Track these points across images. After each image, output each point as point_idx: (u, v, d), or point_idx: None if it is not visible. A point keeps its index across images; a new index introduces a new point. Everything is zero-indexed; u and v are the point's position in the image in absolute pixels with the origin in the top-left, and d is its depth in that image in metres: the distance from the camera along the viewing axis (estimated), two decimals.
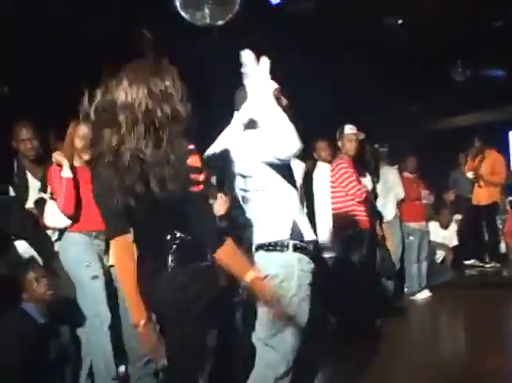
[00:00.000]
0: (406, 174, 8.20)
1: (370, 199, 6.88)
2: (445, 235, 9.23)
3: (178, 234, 2.49)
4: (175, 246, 2.49)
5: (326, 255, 6.65)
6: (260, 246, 3.10)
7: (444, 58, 9.27)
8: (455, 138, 10.88)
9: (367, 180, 6.88)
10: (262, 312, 2.98)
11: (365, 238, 6.41)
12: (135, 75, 2.44)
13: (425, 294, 8.07)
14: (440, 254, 9.11)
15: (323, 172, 6.60)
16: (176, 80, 2.48)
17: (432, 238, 8.82)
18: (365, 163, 7.13)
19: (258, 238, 3.12)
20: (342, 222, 6.42)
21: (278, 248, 3.05)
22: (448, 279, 8.81)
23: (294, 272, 3.03)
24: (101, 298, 4.24)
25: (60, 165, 4.23)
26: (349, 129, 6.50)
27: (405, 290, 8.22)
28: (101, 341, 4.22)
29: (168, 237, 2.50)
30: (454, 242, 9.36)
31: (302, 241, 3.07)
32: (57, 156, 4.22)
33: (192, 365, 2.55)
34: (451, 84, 10.02)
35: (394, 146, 8.63)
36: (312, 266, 3.10)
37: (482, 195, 9.75)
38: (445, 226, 9.27)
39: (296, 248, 3.05)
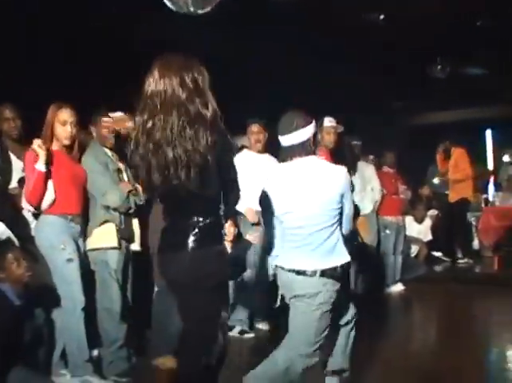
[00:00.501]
0: (385, 168, 8.31)
1: None
2: (419, 230, 9.37)
3: (198, 220, 2.76)
4: (195, 230, 2.75)
5: None
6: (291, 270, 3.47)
7: (424, 55, 9.38)
8: (434, 134, 11.00)
9: None
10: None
11: None
12: (168, 66, 2.71)
13: (399, 287, 8.19)
14: (414, 249, 9.24)
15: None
16: (205, 76, 2.76)
17: (407, 232, 8.94)
18: (343, 157, 7.20)
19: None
20: None
21: (308, 273, 3.40)
22: (421, 273, 8.93)
23: (319, 294, 3.39)
24: (76, 281, 4.28)
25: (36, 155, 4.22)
26: (329, 122, 6.55)
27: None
28: (75, 324, 4.27)
29: (190, 222, 2.76)
30: (428, 237, 9.50)
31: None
32: (35, 147, 4.21)
33: (208, 329, 2.84)
34: (431, 81, 10.12)
35: (371, 140, 8.73)
36: (337, 286, 3.44)
37: (451, 193, 9.92)
38: (420, 220, 9.41)
39: (323, 274, 3.39)
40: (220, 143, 2.69)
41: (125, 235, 4.64)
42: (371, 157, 8.13)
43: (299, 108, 3.57)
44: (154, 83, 2.69)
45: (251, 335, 5.82)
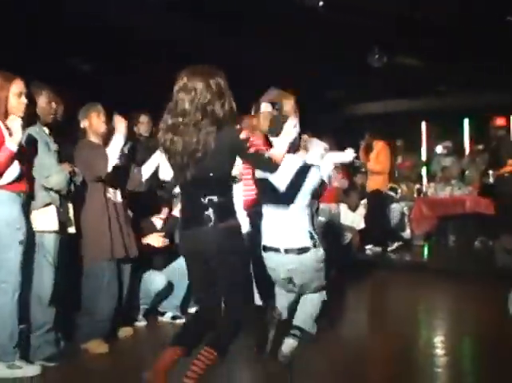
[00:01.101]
0: None
1: None
2: (353, 218, 9.48)
3: (215, 199, 3.34)
4: (212, 208, 3.33)
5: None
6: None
7: (362, 44, 9.48)
8: (369, 124, 11.15)
9: None
10: None
11: None
12: (196, 73, 3.36)
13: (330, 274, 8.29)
14: (347, 236, 9.35)
15: None
16: (226, 82, 3.39)
17: (341, 220, 9.05)
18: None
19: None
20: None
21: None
22: (354, 261, 9.06)
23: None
24: (19, 264, 4.17)
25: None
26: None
27: None
28: (9, 309, 4.17)
29: (207, 201, 3.34)
30: (361, 225, 9.63)
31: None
32: (12, 123, 4.06)
33: (233, 294, 3.43)
34: (368, 71, 10.24)
35: (307, 128, 8.76)
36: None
37: (369, 183, 10.14)
38: (353, 208, 9.54)
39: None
40: (233, 136, 3.34)
41: (64, 218, 4.57)
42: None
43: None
44: (183, 86, 3.33)
45: (183, 320, 5.81)
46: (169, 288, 5.83)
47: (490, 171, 9.44)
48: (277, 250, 4.25)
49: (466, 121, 14.02)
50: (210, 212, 3.33)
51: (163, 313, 5.92)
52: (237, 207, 3.53)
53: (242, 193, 5.74)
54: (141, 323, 5.77)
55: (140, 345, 5.35)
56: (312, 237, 4.25)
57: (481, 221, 9.79)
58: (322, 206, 8.16)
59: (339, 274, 8.24)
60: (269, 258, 4.33)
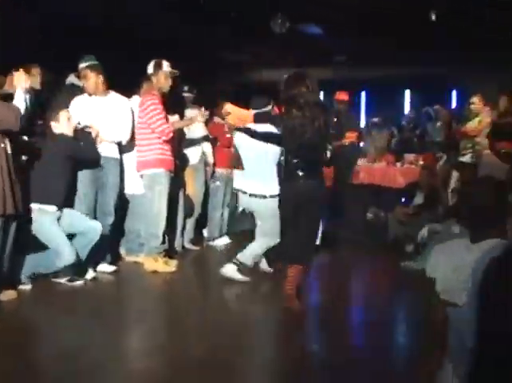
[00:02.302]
0: (217, 119, 8.25)
1: (178, 139, 6.91)
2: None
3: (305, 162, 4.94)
4: (302, 166, 4.91)
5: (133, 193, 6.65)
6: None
7: (265, 10, 9.42)
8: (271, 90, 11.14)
9: (175, 120, 6.91)
10: None
11: (169, 179, 6.45)
12: (298, 78, 5.00)
13: (225, 240, 8.26)
14: None
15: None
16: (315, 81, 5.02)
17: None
18: (173, 103, 7.12)
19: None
20: (148, 161, 6.38)
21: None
22: (248, 227, 9.05)
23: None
24: None
25: None
26: (167, 66, 6.46)
27: (205, 235, 8.35)
28: None
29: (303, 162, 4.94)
30: None
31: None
32: None
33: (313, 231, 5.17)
34: (270, 36, 10.19)
35: (206, 91, 8.68)
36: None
37: None
38: None
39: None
40: (326, 118, 4.98)
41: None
42: (202, 109, 7.93)
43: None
44: (291, 89, 4.96)
45: (81, 282, 5.73)
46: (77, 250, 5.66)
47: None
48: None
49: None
50: (300, 171, 4.90)
51: (56, 276, 5.69)
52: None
53: None
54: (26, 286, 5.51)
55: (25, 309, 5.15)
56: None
57: (374, 192, 9.99)
58: (218, 170, 8.12)
59: (233, 240, 8.30)
60: None
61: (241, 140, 5.99)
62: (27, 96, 4.90)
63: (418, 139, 11.61)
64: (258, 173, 5.90)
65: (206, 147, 7.85)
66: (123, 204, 6.55)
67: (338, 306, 5.46)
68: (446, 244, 2.48)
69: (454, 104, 12.50)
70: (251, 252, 5.96)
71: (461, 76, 11.48)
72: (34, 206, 5.43)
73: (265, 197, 5.82)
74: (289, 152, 4.99)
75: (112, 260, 6.34)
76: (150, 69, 6.45)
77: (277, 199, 5.45)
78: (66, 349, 4.02)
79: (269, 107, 6.01)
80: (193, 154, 7.63)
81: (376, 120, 10.26)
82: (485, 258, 2.15)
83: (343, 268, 7.19)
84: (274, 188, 5.62)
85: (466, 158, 7.93)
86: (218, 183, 8.16)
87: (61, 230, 5.52)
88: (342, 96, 9.76)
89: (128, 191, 6.67)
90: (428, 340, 2.41)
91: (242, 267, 5.92)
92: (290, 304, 4.98)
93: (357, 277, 6.67)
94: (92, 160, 5.93)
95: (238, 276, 5.92)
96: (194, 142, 7.61)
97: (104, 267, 6.21)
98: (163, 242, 6.50)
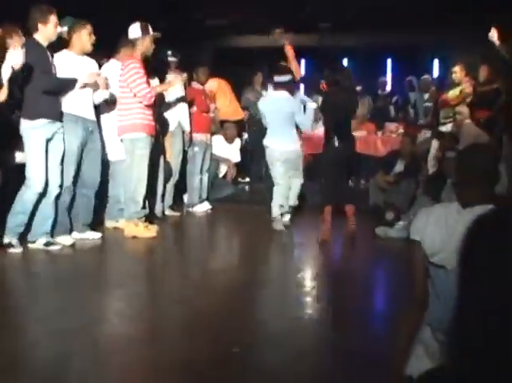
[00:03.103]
0: (195, 84, 8.18)
1: (158, 104, 6.84)
2: (229, 151, 9.42)
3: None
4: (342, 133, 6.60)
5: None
6: None
7: None
8: (252, 57, 11.08)
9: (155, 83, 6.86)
10: None
11: (150, 143, 6.41)
12: (342, 67, 7.57)
13: (205, 206, 8.27)
14: (223, 169, 9.33)
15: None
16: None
17: (218, 152, 9.00)
18: (154, 67, 7.07)
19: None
20: (128, 126, 6.32)
21: None
22: (229, 194, 9.07)
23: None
24: None
25: None
26: (151, 29, 6.39)
27: (185, 200, 8.34)
28: None
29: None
30: (237, 158, 9.59)
31: None
32: None
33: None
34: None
35: (189, 56, 8.59)
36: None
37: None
38: (231, 141, 9.45)
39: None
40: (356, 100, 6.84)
41: None
42: (184, 74, 7.85)
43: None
44: (336, 75, 6.59)
45: (57, 247, 5.68)
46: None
47: None
48: None
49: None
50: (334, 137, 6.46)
51: (33, 241, 5.65)
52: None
53: None
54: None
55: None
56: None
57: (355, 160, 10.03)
58: (196, 136, 8.05)
59: (213, 206, 8.31)
60: None
61: (265, 107, 7.25)
62: None
63: (395, 107, 11.66)
64: (285, 133, 7.11)
65: (183, 113, 7.77)
66: (104, 170, 6.49)
67: (310, 273, 5.55)
68: (435, 207, 2.48)
69: (436, 73, 12.50)
70: (296, 194, 7.42)
71: (443, 45, 11.48)
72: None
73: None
74: (328, 122, 6.69)
75: (93, 227, 6.30)
76: (135, 32, 6.32)
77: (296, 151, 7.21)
78: (44, 312, 4.03)
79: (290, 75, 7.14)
80: (170, 119, 7.56)
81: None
82: (477, 222, 2.16)
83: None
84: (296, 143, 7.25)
85: (447, 127, 7.97)
86: (196, 148, 8.11)
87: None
88: None
89: (109, 157, 6.62)
90: (405, 303, 2.43)
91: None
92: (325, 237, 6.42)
93: (334, 242, 6.69)
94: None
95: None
96: (171, 106, 7.52)
97: (89, 234, 6.18)
98: (144, 207, 6.48)
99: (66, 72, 5.77)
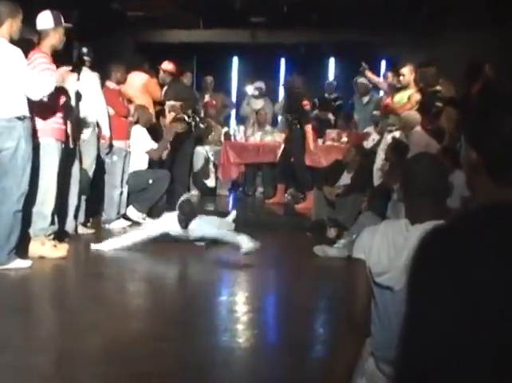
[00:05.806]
0: (111, 84, 8.04)
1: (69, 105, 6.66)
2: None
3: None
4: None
5: None
6: None
7: None
8: (177, 53, 11.06)
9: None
10: None
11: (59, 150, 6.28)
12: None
13: (123, 223, 8.07)
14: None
15: None
16: None
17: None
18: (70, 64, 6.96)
19: None
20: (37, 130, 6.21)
21: None
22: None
23: None
24: None
25: None
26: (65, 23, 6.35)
27: (102, 217, 8.12)
28: None
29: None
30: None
31: None
32: None
33: None
34: None
35: (104, 53, 8.51)
36: None
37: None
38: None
39: None
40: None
41: None
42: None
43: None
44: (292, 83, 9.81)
45: None
46: None
47: None
48: None
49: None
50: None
51: None
52: None
53: None
54: None
55: None
56: None
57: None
58: (115, 143, 7.88)
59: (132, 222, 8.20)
60: None
61: None
62: None
63: (335, 113, 11.80)
64: None
65: (101, 116, 7.61)
66: None
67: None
68: (382, 224, 2.51)
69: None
70: None
71: (391, 45, 11.67)
72: None
73: None
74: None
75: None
76: (46, 23, 6.18)
77: None
78: None
79: None
80: (85, 123, 7.33)
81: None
82: (426, 239, 2.20)
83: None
84: None
85: (395, 135, 8.05)
86: (115, 157, 7.91)
87: None
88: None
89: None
90: (341, 329, 2.47)
91: None
92: None
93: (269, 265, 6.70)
94: None
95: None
96: (86, 107, 7.33)
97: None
98: (53, 223, 6.33)
99: None
